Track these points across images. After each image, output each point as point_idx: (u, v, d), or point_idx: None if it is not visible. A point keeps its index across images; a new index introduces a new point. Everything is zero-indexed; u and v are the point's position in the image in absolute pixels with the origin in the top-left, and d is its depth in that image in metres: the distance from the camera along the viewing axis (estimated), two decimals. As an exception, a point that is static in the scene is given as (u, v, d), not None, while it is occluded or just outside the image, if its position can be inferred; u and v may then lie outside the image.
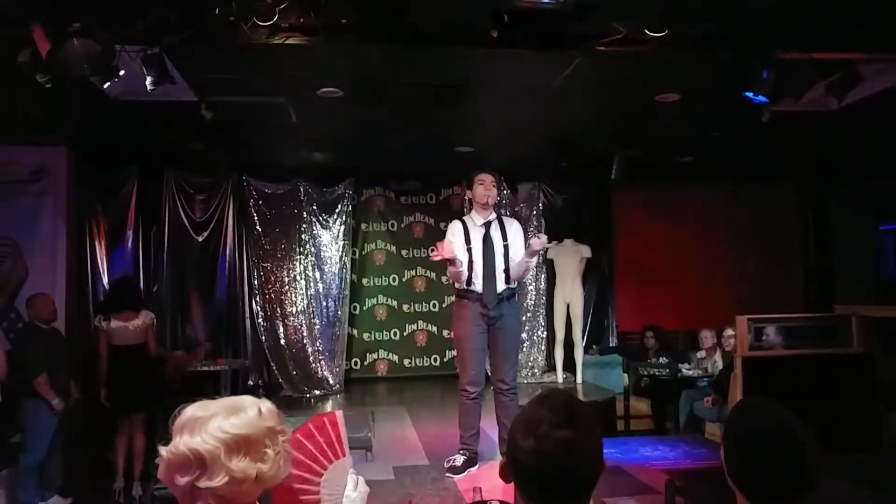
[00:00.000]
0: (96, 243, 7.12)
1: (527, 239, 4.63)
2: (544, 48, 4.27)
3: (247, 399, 1.50)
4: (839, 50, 4.33)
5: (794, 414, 1.50)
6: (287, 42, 4.09)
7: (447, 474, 4.38)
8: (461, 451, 4.46)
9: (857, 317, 5.86)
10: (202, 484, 1.38)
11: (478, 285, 4.41)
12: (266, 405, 1.50)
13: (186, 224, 7.95)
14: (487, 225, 4.49)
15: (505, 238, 4.48)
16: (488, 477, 4.63)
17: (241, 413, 1.45)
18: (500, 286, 4.43)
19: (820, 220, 8.95)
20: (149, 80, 4.10)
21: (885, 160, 6.54)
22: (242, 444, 1.41)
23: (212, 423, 1.41)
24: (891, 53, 4.46)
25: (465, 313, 4.44)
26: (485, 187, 4.50)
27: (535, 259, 4.64)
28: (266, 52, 4.37)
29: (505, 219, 4.69)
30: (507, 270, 4.44)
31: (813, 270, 9.00)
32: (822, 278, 8.82)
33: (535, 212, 8.73)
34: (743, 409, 1.62)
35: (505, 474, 1.38)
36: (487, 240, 4.44)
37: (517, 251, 4.47)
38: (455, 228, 4.56)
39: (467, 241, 4.47)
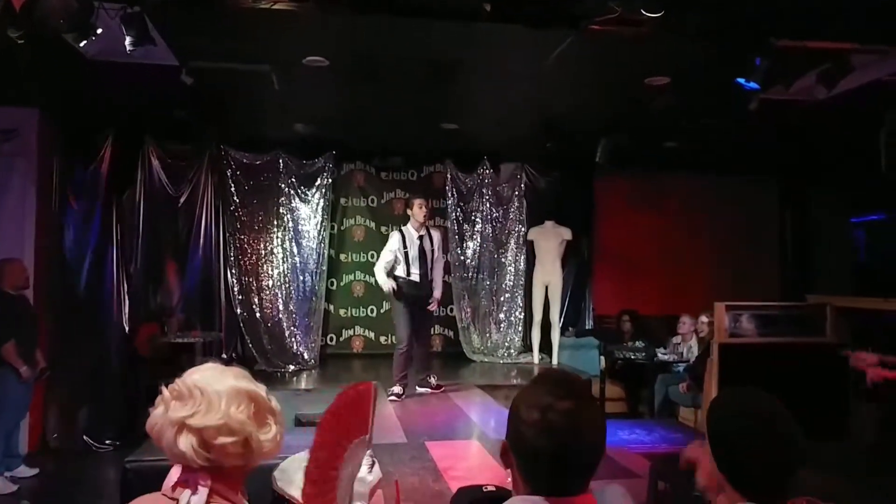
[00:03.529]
0: (68, 208, 6.89)
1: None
2: (538, 25, 4.20)
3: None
4: (833, 39, 4.32)
5: (776, 401, 1.49)
6: (274, 7, 3.97)
7: (390, 398, 6.04)
8: (398, 384, 6.19)
9: (830, 307, 5.94)
10: (196, 421, 1.34)
11: (414, 276, 6.22)
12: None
13: (163, 192, 7.71)
14: (421, 238, 6.28)
15: (432, 244, 6.33)
16: (464, 455, 4.66)
17: (253, 382, 1.46)
18: (426, 278, 6.26)
19: (798, 211, 9.03)
20: (128, 40, 3.95)
21: (860, 153, 6.60)
22: (247, 400, 1.40)
23: (225, 374, 1.43)
24: (883, 45, 4.46)
25: (402, 293, 6.19)
26: (422, 210, 6.27)
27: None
28: (252, 17, 4.24)
29: (432, 230, 6.46)
30: (431, 269, 6.31)
31: (789, 261, 9.09)
32: (798, 268, 8.91)
33: (517, 192, 8.68)
34: (725, 401, 1.56)
35: (506, 457, 1.34)
36: (422, 248, 6.26)
37: (438, 254, 6.39)
38: (394, 237, 6.32)
39: (404, 245, 6.23)
